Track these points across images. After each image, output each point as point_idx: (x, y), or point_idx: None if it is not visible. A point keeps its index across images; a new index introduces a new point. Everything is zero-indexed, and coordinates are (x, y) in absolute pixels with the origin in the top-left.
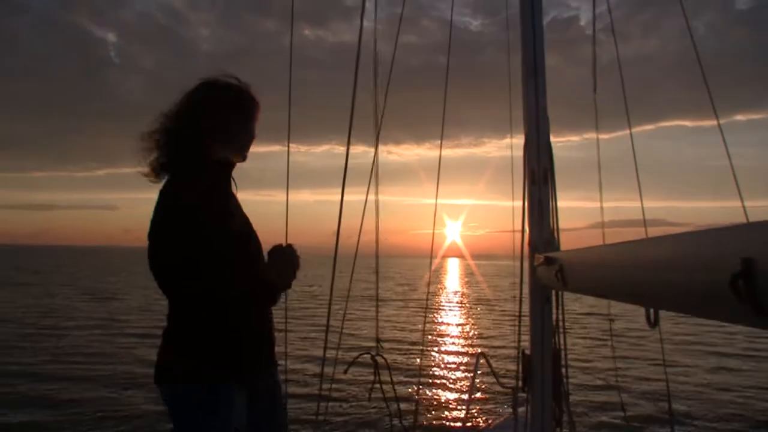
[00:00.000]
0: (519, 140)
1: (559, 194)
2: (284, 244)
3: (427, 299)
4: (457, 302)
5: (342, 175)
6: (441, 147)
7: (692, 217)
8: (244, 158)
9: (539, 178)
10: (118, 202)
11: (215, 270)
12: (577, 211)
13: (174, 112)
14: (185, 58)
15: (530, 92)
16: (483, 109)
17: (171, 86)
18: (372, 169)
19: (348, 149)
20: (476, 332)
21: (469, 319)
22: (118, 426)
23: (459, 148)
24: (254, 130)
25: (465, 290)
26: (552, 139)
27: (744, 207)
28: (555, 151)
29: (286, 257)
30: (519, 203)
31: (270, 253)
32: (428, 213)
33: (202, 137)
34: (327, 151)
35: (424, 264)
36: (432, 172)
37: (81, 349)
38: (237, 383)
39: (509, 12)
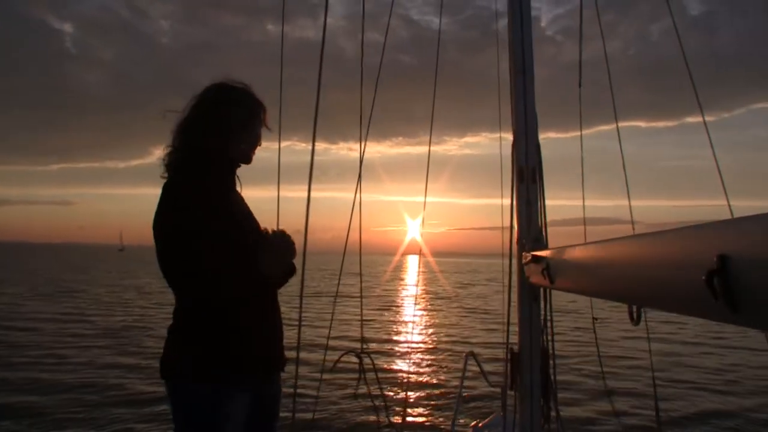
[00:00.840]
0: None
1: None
2: (274, 230)
3: (416, 296)
4: (423, 298)
5: (301, 172)
6: (430, 144)
7: (644, 216)
8: (248, 160)
9: (527, 176)
10: (74, 197)
11: (214, 271)
12: None
13: (183, 113)
14: (145, 52)
15: (518, 91)
16: (444, 108)
17: (131, 80)
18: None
19: (313, 147)
20: (440, 327)
21: (434, 315)
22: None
23: (420, 146)
24: (260, 131)
25: (429, 287)
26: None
27: (730, 206)
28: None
29: (279, 246)
30: (507, 201)
31: (264, 244)
32: (388, 210)
33: (208, 136)
34: (288, 148)
35: (385, 261)
36: (392, 170)
37: (45, 346)
38: (237, 385)
39: (471, 13)
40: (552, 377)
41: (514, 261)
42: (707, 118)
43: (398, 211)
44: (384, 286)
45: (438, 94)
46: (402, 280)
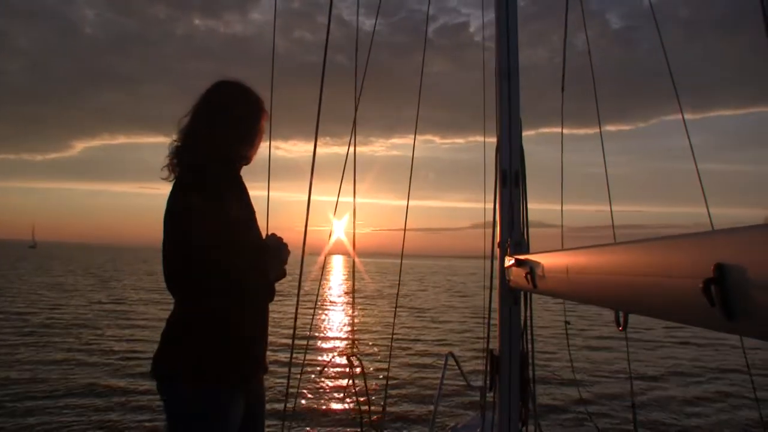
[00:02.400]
0: (479, 141)
1: (447, 194)
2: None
3: (397, 298)
4: (349, 295)
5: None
6: (414, 148)
7: (567, 220)
8: (249, 160)
9: (510, 179)
10: None
11: (221, 276)
12: (464, 211)
13: (191, 110)
14: (68, 41)
15: (503, 95)
16: (372, 109)
17: (50, 70)
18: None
19: (314, 150)
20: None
21: (368, 311)
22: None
23: (347, 146)
24: (262, 133)
25: (358, 284)
26: (439, 140)
27: (711, 214)
28: (441, 153)
29: (275, 249)
30: (490, 205)
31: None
32: (313, 209)
33: (216, 135)
34: None
35: (310, 260)
36: (319, 170)
37: None
38: (237, 387)
39: (403, 16)
40: (531, 379)
41: (495, 263)
42: (625, 128)
43: (323, 211)
44: (312, 284)
45: (366, 95)
46: (327, 279)
